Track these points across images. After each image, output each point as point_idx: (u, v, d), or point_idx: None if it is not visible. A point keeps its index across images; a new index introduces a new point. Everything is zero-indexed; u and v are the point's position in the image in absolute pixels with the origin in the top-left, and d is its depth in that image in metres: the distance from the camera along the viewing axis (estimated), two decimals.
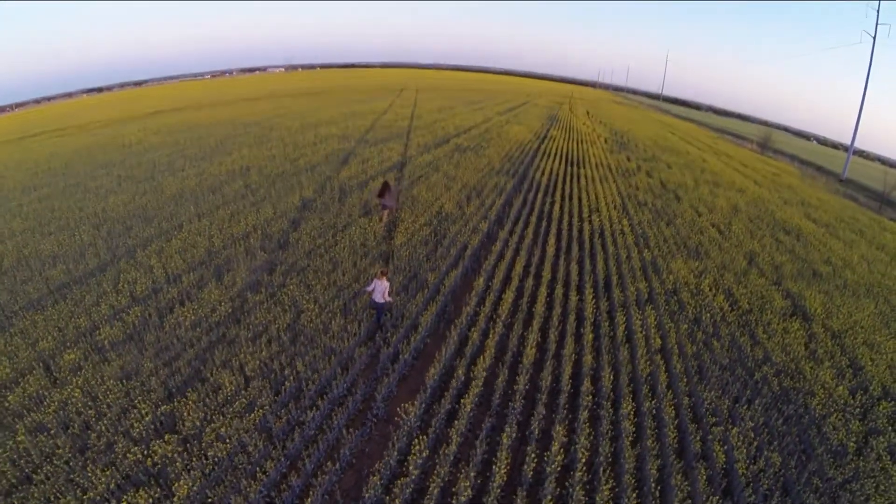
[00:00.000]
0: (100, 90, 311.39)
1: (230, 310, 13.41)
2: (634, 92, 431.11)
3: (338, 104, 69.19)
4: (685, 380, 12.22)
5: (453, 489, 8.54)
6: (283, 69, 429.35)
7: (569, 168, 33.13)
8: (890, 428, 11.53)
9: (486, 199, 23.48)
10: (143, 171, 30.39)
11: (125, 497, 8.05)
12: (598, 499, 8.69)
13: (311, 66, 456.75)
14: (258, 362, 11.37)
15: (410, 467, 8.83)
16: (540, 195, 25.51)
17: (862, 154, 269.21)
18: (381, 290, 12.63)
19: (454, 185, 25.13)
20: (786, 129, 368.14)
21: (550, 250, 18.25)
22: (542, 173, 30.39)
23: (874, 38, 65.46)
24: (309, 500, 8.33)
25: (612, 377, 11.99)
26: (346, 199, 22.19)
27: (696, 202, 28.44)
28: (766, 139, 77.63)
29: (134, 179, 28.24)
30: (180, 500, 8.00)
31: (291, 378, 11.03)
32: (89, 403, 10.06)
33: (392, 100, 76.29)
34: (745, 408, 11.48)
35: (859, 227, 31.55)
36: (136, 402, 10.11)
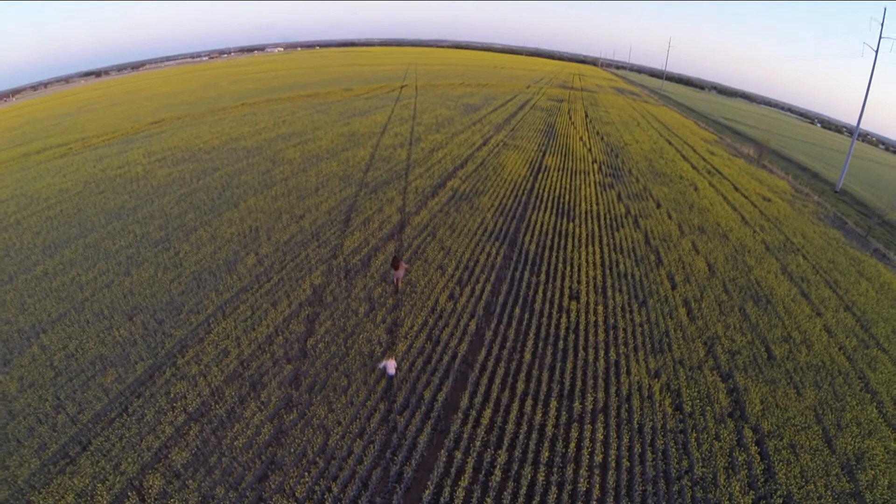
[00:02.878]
0: (97, 74, 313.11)
1: (272, 431, 16.65)
2: (639, 70, 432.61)
3: (338, 116, 71.42)
4: (613, 495, 15.54)
5: None
6: (281, 49, 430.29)
7: (559, 223, 35.79)
8: None
9: (476, 285, 26.29)
10: (156, 226, 33.28)
11: None
12: None
13: (311, 45, 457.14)
14: (305, 487, 14.76)
15: None
16: (527, 272, 28.25)
17: (866, 138, 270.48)
18: (391, 366, 18.25)
19: (449, 263, 28.07)
20: (789, 110, 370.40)
21: (527, 356, 21.33)
22: (532, 236, 33.00)
23: (876, 51, 66.71)
24: None
25: (556, 494, 15.31)
26: (352, 288, 25.20)
27: (676, 266, 31.20)
28: (762, 151, 79.53)
29: (150, 241, 31.09)
30: None
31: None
32: None
33: (391, 108, 78.34)
34: None
35: (835, 276, 34.04)
36: None
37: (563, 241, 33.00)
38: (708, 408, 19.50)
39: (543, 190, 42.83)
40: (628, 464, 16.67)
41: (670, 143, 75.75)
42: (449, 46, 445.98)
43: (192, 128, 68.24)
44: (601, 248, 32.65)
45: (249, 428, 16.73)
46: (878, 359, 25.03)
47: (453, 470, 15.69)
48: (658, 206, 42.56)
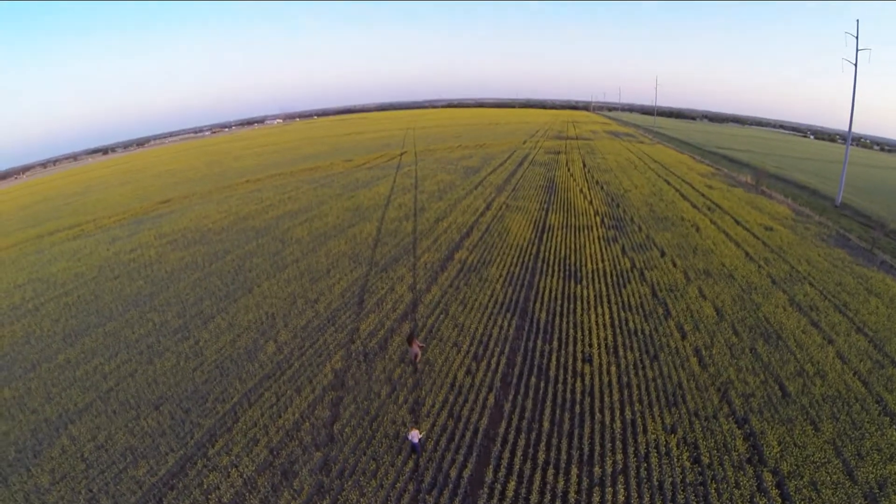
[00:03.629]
0: (104, 151, 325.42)
1: None
2: (630, 109, 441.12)
3: (342, 189, 74.11)
4: None
5: None
6: (280, 120, 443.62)
7: (566, 286, 36.79)
8: None
9: (491, 358, 27.23)
10: (174, 314, 34.81)
11: None
12: None
13: (308, 115, 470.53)
14: None
15: None
16: (539, 341, 29.16)
17: (860, 141, 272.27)
18: (415, 435, 19.78)
19: (464, 339, 29.10)
20: (781, 127, 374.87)
21: (546, 424, 22.10)
22: (541, 304, 33.97)
23: (855, 64, 68.33)
24: None
25: None
26: (372, 370, 26.23)
27: (684, 315, 31.96)
28: (759, 177, 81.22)
29: (169, 329, 32.56)
30: None
31: None
32: None
33: (393, 177, 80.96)
34: None
35: (844, 299, 34.66)
36: None
37: (572, 305, 33.85)
38: (725, 456, 20.04)
39: (549, 252, 44.03)
40: None
41: (669, 183, 77.40)
42: (443, 106, 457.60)
43: (199, 207, 71.02)
44: (609, 308, 33.40)
45: None
46: (894, 378, 25.56)
47: None
48: (662, 254, 43.55)
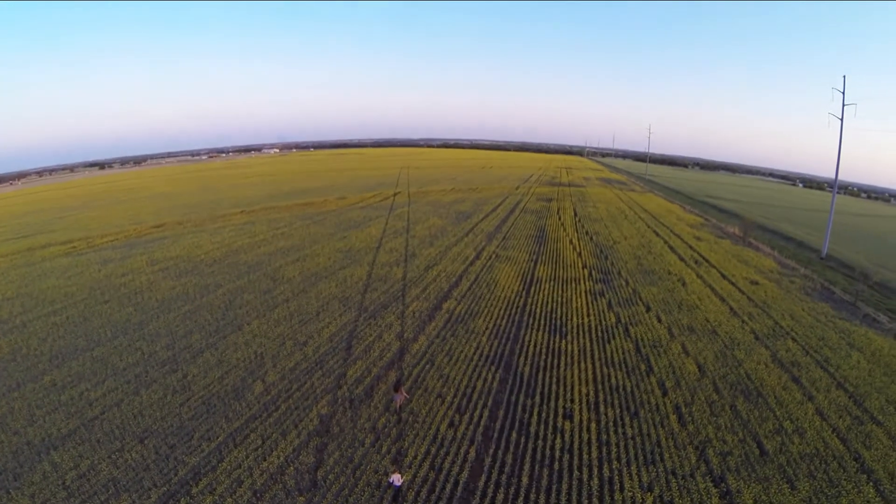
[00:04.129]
0: (101, 166, 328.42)
1: None
2: (623, 155, 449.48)
3: (334, 228, 75.39)
4: None
5: None
6: (277, 150, 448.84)
7: (551, 341, 37.52)
8: None
9: (474, 411, 27.78)
10: (163, 345, 35.34)
11: None
12: None
13: (305, 147, 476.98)
14: None
15: None
16: (522, 395, 29.79)
17: (847, 189, 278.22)
18: (397, 478, 21.00)
19: (448, 391, 29.71)
20: (771, 175, 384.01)
21: (525, 479, 22.37)
22: (526, 358, 34.69)
23: (841, 119, 70.67)
24: None
25: None
26: (357, 418, 26.72)
27: (666, 372, 32.74)
28: (747, 229, 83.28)
29: (158, 361, 33.05)
30: None
31: None
32: None
33: (385, 219, 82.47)
34: None
35: (826, 354, 35.78)
36: None
37: (555, 360, 34.55)
38: None
39: (536, 305, 44.84)
40: None
41: (657, 234, 79.20)
42: (438, 145, 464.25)
43: (193, 235, 71.86)
44: (593, 364, 34.12)
45: None
46: (872, 434, 26.33)
47: None
48: (648, 309, 44.52)
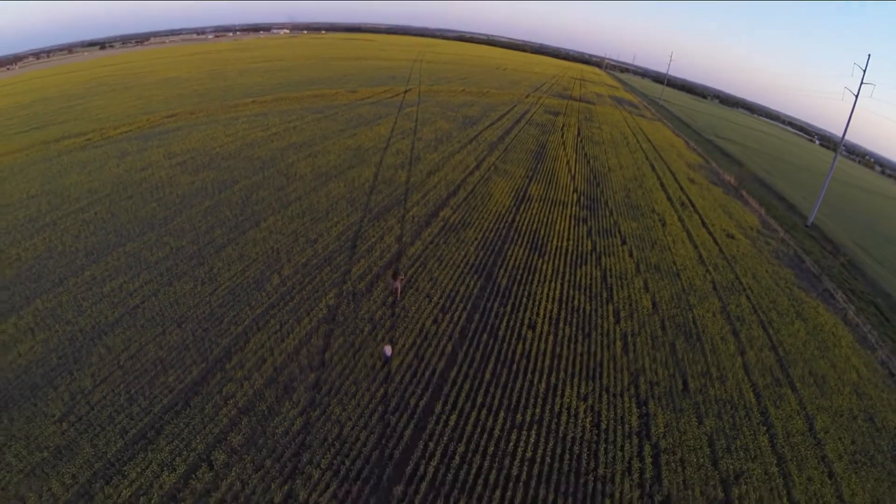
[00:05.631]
0: (102, 46, 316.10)
1: (302, 422, 23.78)
2: (643, 74, 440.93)
3: (345, 124, 78.53)
4: (536, 481, 22.75)
5: None
6: (287, 31, 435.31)
7: (530, 258, 42.61)
8: None
9: (455, 313, 33.43)
10: (188, 240, 39.70)
11: None
12: None
13: (317, 29, 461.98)
14: (326, 461, 22.35)
15: None
16: (497, 303, 35.37)
17: (863, 158, 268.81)
18: (388, 349, 27.63)
19: (436, 292, 35.32)
20: (790, 124, 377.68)
21: (488, 375, 28.36)
22: (505, 271, 39.90)
23: (857, 95, 71.88)
24: None
25: (496, 476, 22.48)
26: (358, 310, 32.46)
27: (624, 302, 38.01)
28: (742, 181, 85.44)
29: (185, 255, 37.63)
30: None
31: None
32: (247, 485, 20.82)
33: (394, 119, 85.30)
34: None
35: (772, 317, 39.97)
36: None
37: (530, 277, 39.81)
38: (620, 427, 26.43)
39: (523, 224, 49.69)
40: (550, 461, 23.75)
41: (653, 169, 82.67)
42: (453, 38, 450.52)
43: (206, 127, 74.23)
44: (561, 285, 39.43)
45: (286, 420, 23.79)
46: (785, 396, 31.17)
47: (427, 454, 22.91)
48: (623, 242, 49.37)
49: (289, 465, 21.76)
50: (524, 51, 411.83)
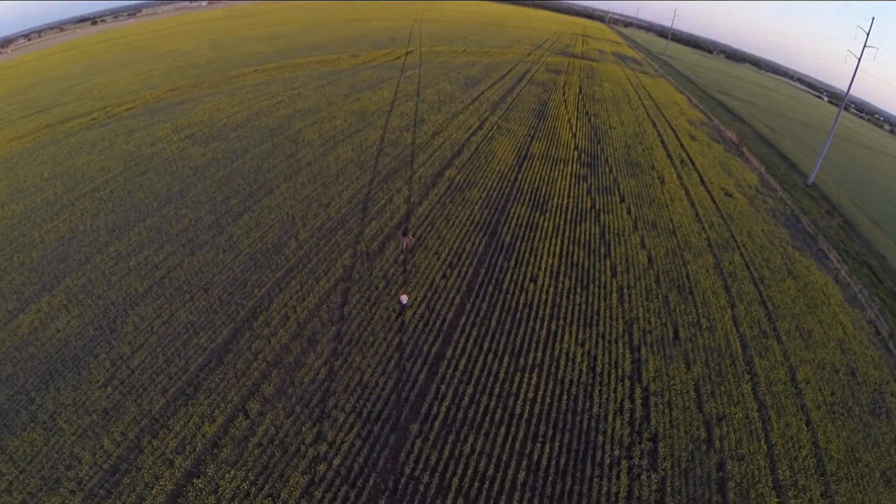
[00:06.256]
0: (93, 21, 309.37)
1: (327, 371, 26.66)
2: (648, 28, 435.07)
3: (348, 90, 79.34)
4: (537, 418, 25.90)
5: None
6: None
7: (532, 216, 44.67)
8: None
9: (462, 268, 35.89)
10: (206, 211, 41.49)
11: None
12: None
13: None
14: (350, 405, 25.24)
15: None
16: (501, 258, 37.76)
17: (874, 117, 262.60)
18: (405, 298, 30.84)
19: (443, 249, 37.70)
20: (799, 80, 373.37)
21: (493, 322, 31.13)
22: (509, 228, 42.06)
23: (859, 59, 72.49)
24: None
25: (500, 415, 25.57)
26: (373, 268, 34.95)
27: (621, 258, 40.22)
28: (743, 139, 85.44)
29: (204, 225, 39.51)
30: None
31: None
32: (280, 430, 23.69)
33: (397, 82, 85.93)
34: None
35: (763, 273, 42.10)
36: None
37: (532, 233, 42.05)
38: (613, 371, 29.17)
39: (525, 181, 51.71)
40: (549, 400, 26.54)
41: (654, 126, 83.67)
42: None
43: (211, 98, 74.99)
44: (561, 241, 41.67)
45: (312, 370, 26.56)
46: (770, 348, 33.69)
47: (440, 396, 25.77)
48: (622, 200, 51.35)
49: (317, 410, 24.50)
50: (525, 5, 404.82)
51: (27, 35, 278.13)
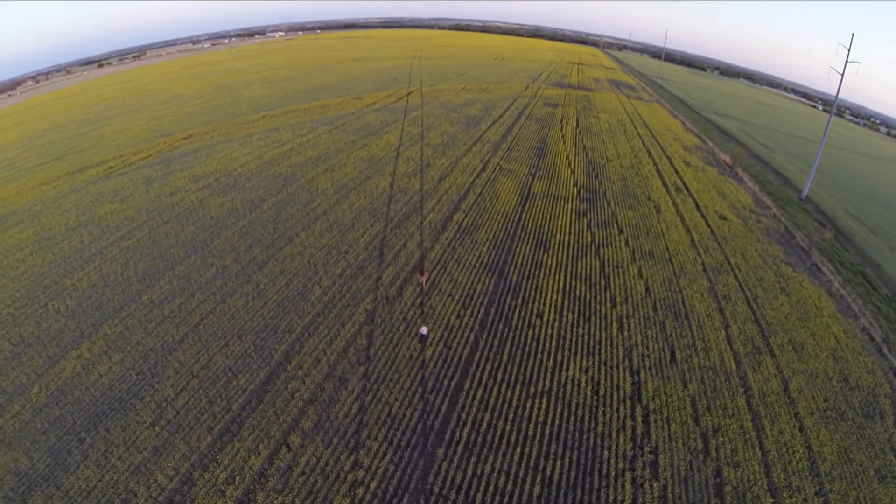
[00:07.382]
0: (99, 64, 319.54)
1: (358, 406, 30.23)
2: (641, 51, 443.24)
3: (355, 135, 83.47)
4: (548, 438, 29.11)
5: None
6: (283, 33, 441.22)
7: (536, 254, 48.12)
8: None
9: (474, 308, 39.36)
10: (231, 259, 44.70)
11: None
12: None
13: (312, 28, 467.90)
14: (381, 435, 28.96)
15: None
16: (509, 297, 41.16)
17: (869, 120, 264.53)
18: (424, 330, 34.50)
19: (456, 291, 41.18)
20: (793, 91, 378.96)
21: (505, 356, 34.64)
22: (515, 268, 45.44)
23: (842, 75, 75.64)
24: None
25: (515, 437, 29.07)
26: (393, 311, 38.43)
27: (620, 290, 43.38)
28: (737, 160, 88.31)
29: (231, 273, 42.71)
30: None
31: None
32: (320, 459, 27.22)
33: (401, 125, 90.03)
34: None
35: (757, 293, 44.76)
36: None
37: (537, 271, 45.36)
38: (615, 393, 32.45)
39: (528, 220, 55.15)
40: (558, 422, 29.88)
41: (650, 155, 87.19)
42: (449, 27, 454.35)
43: (223, 146, 78.70)
44: (564, 276, 44.97)
45: (345, 406, 29.98)
46: (763, 362, 36.45)
47: (461, 423, 29.20)
48: (620, 232, 54.59)
49: (352, 440, 27.84)
50: (520, 35, 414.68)
51: (35, 77, 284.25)
